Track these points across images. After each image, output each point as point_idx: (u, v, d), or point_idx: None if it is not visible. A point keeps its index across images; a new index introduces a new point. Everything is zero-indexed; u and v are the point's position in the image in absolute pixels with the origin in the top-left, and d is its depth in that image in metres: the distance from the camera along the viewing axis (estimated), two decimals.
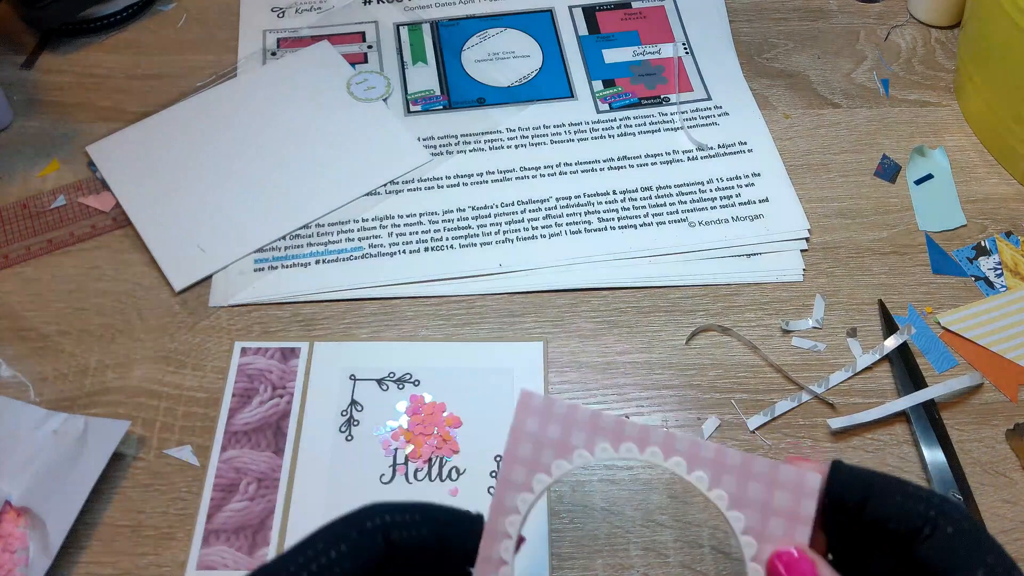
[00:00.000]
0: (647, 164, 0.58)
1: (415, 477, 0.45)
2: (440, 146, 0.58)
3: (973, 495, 0.44)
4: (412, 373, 0.48)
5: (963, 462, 0.46)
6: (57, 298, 0.51)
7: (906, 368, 0.48)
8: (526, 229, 0.54)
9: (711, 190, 0.57)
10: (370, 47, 0.64)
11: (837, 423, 0.46)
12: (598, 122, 0.60)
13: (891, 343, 0.49)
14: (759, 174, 0.58)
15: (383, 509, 0.33)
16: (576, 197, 0.56)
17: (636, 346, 0.50)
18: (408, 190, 0.56)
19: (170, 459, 0.45)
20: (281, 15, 0.66)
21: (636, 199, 0.56)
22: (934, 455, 0.45)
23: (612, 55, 0.64)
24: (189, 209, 0.54)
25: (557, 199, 0.56)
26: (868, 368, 0.49)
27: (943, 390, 0.47)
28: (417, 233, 0.54)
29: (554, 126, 0.60)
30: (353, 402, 0.47)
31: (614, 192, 0.56)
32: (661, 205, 0.56)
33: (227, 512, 0.43)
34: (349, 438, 0.46)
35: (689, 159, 0.58)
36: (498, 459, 0.45)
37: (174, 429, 0.46)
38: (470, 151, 0.58)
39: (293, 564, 0.31)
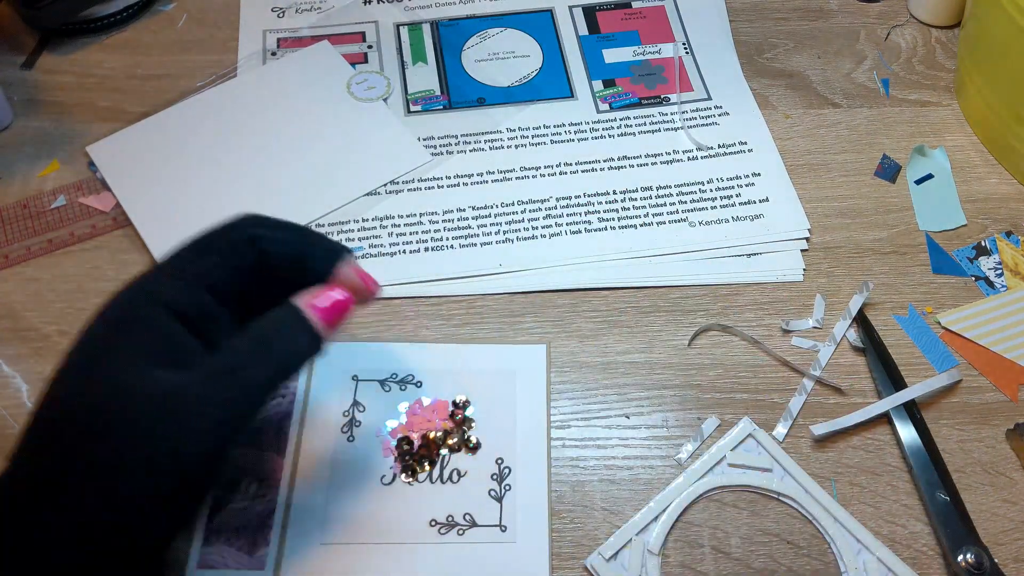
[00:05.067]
0: (647, 164, 0.58)
1: (416, 479, 0.45)
2: (440, 146, 0.58)
3: (961, 495, 0.44)
4: (415, 374, 0.48)
5: (963, 462, 0.46)
6: (57, 298, 0.51)
7: (885, 370, 0.48)
8: (526, 229, 0.54)
9: (711, 190, 0.57)
10: (370, 47, 0.64)
11: (819, 429, 0.46)
12: (598, 122, 0.60)
13: (855, 304, 0.51)
14: (759, 174, 0.58)
15: (254, 222, 0.37)
16: (576, 197, 0.56)
17: (636, 346, 0.50)
18: (408, 190, 0.56)
19: None
20: (281, 15, 0.66)
21: (636, 199, 0.56)
22: (917, 455, 0.45)
23: (612, 55, 0.64)
24: (189, 209, 0.54)
25: (557, 199, 0.56)
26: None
27: (922, 390, 0.47)
28: (417, 233, 0.54)
29: (554, 126, 0.60)
30: (355, 402, 0.47)
31: (614, 192, 0.56)
32: (661, 205, 0.56)
33: (228, 511, 0.43)
34: (351, 438, 0.46)
35: (689, 159, 0.58)
36: (499, 461, 0.45)
37: None
38: (470, 151, 0.58)
39: (168, 271, 0.34)
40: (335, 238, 0.54)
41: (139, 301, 0.34)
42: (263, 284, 0.36)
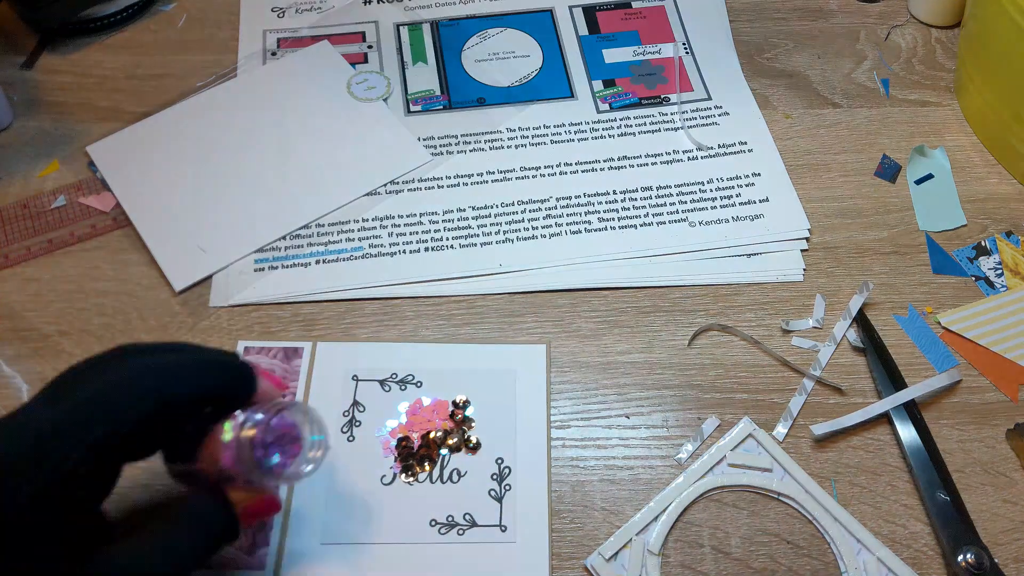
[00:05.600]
0: (647, 164, 0.58)
1: (416, 478, 0.45)
2: (440, 146, 0.58)
3: (961, 495, 0.45)
4: (415, 374, 0.48)
5: (963, 462, 0.46)
6: (57, 298, 0.51)
7: (885, 370, 0.48)
8: (526, 229, 0.54)
9: (711, 190, 0.57)
10: (370, 47, 0.64)
11: (820, 429, 0.46)
12: (598, 122, 0.60)
13: (855, 304, 0.51)
14: (759, 174, 0.58)
15: (150, 371, 0.32)
16: (576, 197, 0.56)
17: (636, 346, 0.50)
18: (408, 190, 0.56)
19: None
20: (281, 15, 0.66)
21: (636, 199, 0.56)
22: (917, 455, 0.45)
23: (612, 55, 0.64)
24: (189, 209, 0.54)
25: (557, 199, 0.56)
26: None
27: (922, 390, 0.47)
28: (417, 233, 0.54)
29: (554, 126, 0.60)
30: (355, 402, 0.47)
31: (614, 192, 0.56)
32: (661, 205, 0.56)
33: None
34: (351, 438, 0.46)
35: (689, 159, 0.58)
36: (499, 461, 0.45)
37: None
38: (470, 151, 0.58)
39: (71, 439, 0.30)
40: (335, 238, 0.54)
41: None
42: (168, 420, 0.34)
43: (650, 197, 0.56)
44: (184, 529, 0.33)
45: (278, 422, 0.36)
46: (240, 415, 0.35)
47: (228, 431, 0.35)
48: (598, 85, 0.62)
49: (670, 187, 0.57)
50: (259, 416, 0.35)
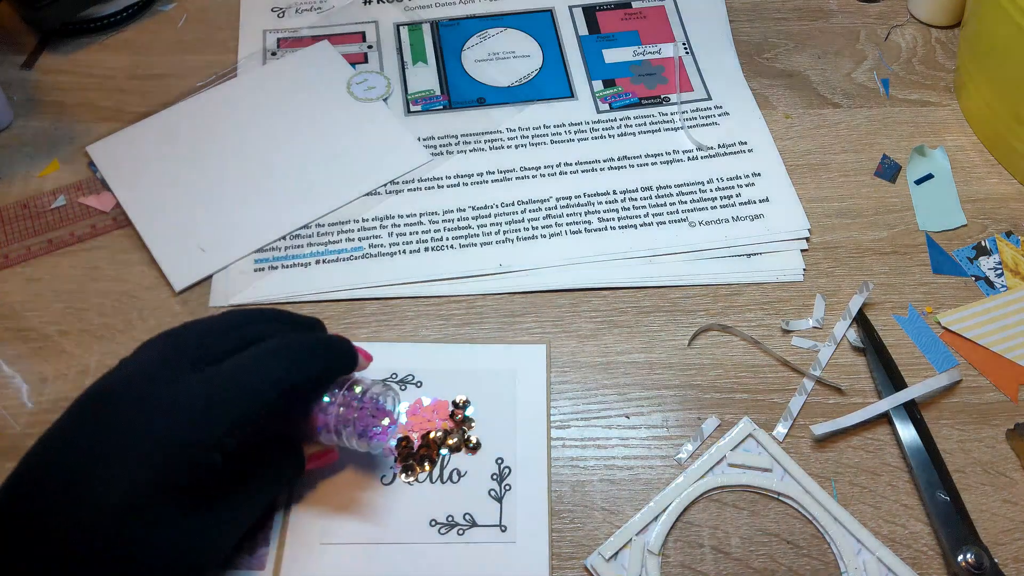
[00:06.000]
0: (647, 164, 0.58)
1: (416, 478, 0.45)
2: (440, 146, 0.58)
3: (961, 495, 0.44)
4: (415, 374, 0.48)
5: (963, 462, 0.46)
6: (57, 298, 0.51)
7: (885, 370, 0.48)
8: (526, 229, 0.54)
9: (711, 190, 0.57)
10: (370, 47, 0.64)
11: (820, 429, 0.46)
12: (598, 122, 0.60)
13: (855, 303, 0.51)
14: (759, 174, 0.58)
15: (278, 357, 0.37)
16: (576, 197, 0.56)
17: (636, 346, 0.50)
18: (408, 190, 0.56)
19: None
20: (281, 15, 0.66)
21: (636, 199, 0.56)
22: (917, 455, 0.45)
23: (612, 55, 0.64)
24: (189, 209, 0.54)
25: (557, 199, 0.56)
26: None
27: (922, 390, 0.47)
28: (417, 233, 0.54)
29: (554, 126, 0.60)
30: None
31: (614, 192, 0.56)
32: (661, 205, 0.56)
33: None
34: None
35: (689, 159, 0.58)
36: (499, 461, 0.45)
37: None
38: (470, 151, 0.58)
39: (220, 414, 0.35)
40: (335, 238, 0.54)
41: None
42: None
43: (650, 197, 0.56)
44: (271, 479, 0.40)
45: (372, 403, 0.41)
46: (339, 391, 0.40)
47: (332, 405, 0.40)
48: (598, 85, 0.62)
49: (670, 187, 0.57)
50: (358, 393, 0.40)
